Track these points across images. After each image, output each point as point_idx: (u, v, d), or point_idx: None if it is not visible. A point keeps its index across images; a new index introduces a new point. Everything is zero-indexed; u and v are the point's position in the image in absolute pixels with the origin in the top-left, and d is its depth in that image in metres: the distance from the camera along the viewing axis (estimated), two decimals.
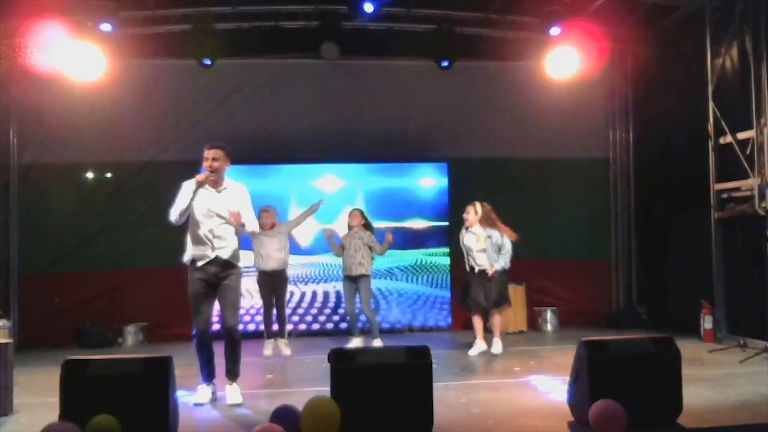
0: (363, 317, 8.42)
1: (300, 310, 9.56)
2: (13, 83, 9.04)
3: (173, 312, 8.63)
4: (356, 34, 9.32)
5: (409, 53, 9.70)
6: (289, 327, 8.35)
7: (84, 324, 9.00)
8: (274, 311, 7.86)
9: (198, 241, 5.48)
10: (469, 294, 7.81)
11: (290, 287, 8.76)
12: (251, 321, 9.28)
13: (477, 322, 7.89)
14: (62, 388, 4.22)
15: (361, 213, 8.29)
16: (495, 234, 7.75)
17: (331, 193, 9.63)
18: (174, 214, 5.44)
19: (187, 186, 5.49)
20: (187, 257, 5.56)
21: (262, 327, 8.12)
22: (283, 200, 9.44)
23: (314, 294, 9.60)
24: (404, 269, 9.81)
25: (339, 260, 8.37)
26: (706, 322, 8.29)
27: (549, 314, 9.87)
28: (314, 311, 9.59)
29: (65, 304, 9.11)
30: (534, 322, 9.83)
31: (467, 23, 9.51)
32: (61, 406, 4.20)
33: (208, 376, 5.60)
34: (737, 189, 8.07)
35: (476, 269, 7.75)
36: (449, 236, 9.74)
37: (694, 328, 8.40)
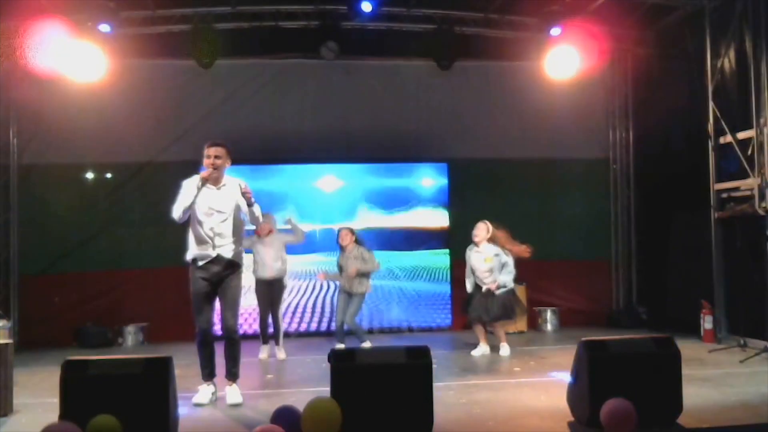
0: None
1: (300, 311, 9.55)
2: (13, 83, 9.03)
3: (173, 312, 8.62)
4: (356, 34, 9.34)
5: (408, 53, 9.71)
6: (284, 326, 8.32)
7: (84, 324, 9.00)
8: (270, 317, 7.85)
9: (200, 239, 5.48)
10: (471, 306, 7.79)
11: (292, 284, 8.75)
12: (254, 322, 9.25)
13: (478, 329, 7.89)
14: (62, 388, 4.22)
15: (351, 231, 8.19)
16: (501, 252, 7.75)
17: (331, 193, 9.63)
18: (177, 212, 5.43)
19: (189, 184, 5.49)
20: (189, 256, 5.55)
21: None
22: (283, 200, 9.43)
23: (314, 294, 9.59)
24: (404, 269, 9.81)
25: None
26: (706, 322, 8.29)
27: (549, 314, 9.87)
28: (314, 311, 9.58)
29: (65, 304, 9.12)
30: (534, 322, 9.83)
31: (467, 23, 9.52)
32: (61, 406, 4.20)
33: (209, 375, 5.60)
34: (737, 189, 8.07)
35: (483, 288, 7.74)
36: (449, 236, 9.75)
37: (694, 328, 8.40)
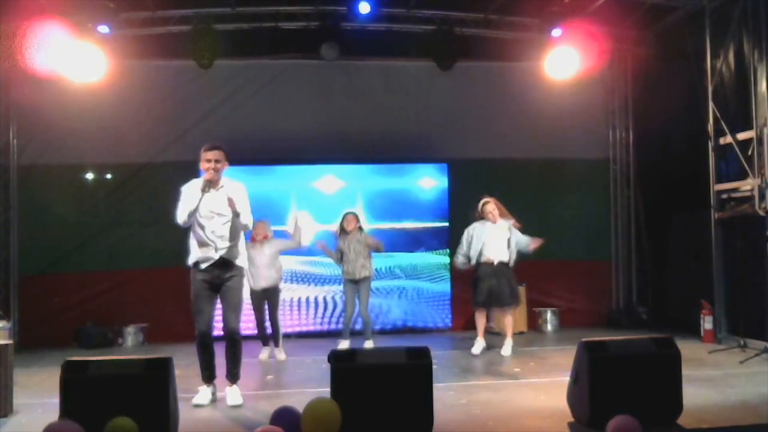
0: (359, 320, 8.39)
1: (300, 311, 9.55)
2: (13, 84, 9.04)
3: (173, 312, 8.63)
4: (356, 35, 9.33)
5: (408, 54, 9.71)
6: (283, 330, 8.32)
7: (84, 324, 9.00)
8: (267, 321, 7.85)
9: (202, 243, 5.48)
10: (484, 289, 7.66)
11: (292, 285, 8.74)
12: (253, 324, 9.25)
13: (481, 319, 7.87)
14: (62, 388, 4.22)
15: (356, 217, 8.23)
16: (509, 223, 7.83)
17: (331, 194, 9.63)
18: (182, 216, 5.43)
19: (188, 189, 5.49)
20: (191, 260, 5.55)
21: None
22: (283, 201, 9.44)
23: (314, 294, 9.59)
24: (404, 270, 9.81)
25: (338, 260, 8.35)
26: (706, 323, 8.29)
27: (549, 314, 9.87)
28: (314, 312, 9.58)
29: (65, 304, 9.11)
30: (534, 323, 9.83)
31: (467, 24, 9.53)
32: (61, 407, 4.20)
33: (209, 377, 5.60)
34: (737, 189, 8.07)
35: (495, 262, 7.72)
36: (449, 237, 9.75)
37: (694, 328, 8.40)
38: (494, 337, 9.00)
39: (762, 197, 7.55)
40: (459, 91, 10.02)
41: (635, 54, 10.19)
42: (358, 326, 8.55)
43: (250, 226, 5.74)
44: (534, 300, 9.90)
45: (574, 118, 10.16)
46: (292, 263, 9.37)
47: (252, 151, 9.10)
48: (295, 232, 7.84)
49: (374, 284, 8.72)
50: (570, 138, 10.23)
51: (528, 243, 7.86)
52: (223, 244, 5.49)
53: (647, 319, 9.74)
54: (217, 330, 5.81)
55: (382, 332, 9.44)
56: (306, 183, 9.67)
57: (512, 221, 7.89)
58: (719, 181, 8.37)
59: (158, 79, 9.55)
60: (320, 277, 9.56)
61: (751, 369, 6.52)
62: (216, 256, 5.48)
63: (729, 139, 8.11)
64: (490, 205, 7.87)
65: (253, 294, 7.70)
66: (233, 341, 5.59)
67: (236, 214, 5.42)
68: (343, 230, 8.13)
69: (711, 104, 8.41)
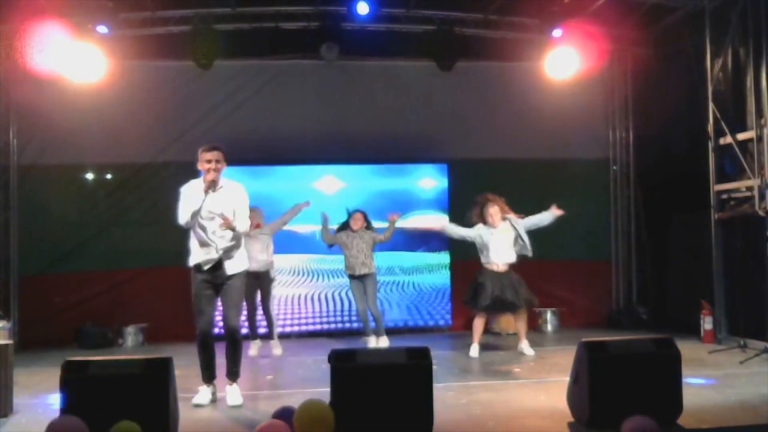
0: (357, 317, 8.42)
1: (300, 310, 9.55)
2: (13, 84, 9.04)
3: (173, 312, 8.62)
4: (356, 35, 9.33)
5: (408, 54, 9.70)
6: (279, 329, 8.32)
7: (84, 324, 8.99)
8: (260, 312, 7.85)
9: (203, 243, 5.49)
10: (489, 294, 7.54)
11: (292, 287, 8.73)
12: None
13: (480, 325, 7.82)
14: (62, 388, 4.22)
15: (364, 216, 8.24)
16: (510, 219, 7.79)
17: (331, 194, 9.63)
18: (185, 218, 5.42)
19: (189, 189, 5.49)
20: (192, 261, 5.55)
21: (261, 329, 8.12)
22: (282, 201, 9.41)
23: (314, 294, 9.59)
24: (405, 270, 9.80)
25: (340, 257, 8.35)
26: (706, 323, 8.28)
27: (549, 315, 9.86)
28: (314, 311, 9.58)
29: (65, 304, 9.10)
30: (534, 323, 9.81)
31: (467, 24, 9.52)
32: (61, 407, 4.20)
33: (209, 376, 5.60)
34: (737, 189, 8.07)
35: (500, 267, 7.66)
36: (449, 237, 9.74)
37: (694, 329, 8.40)
38: (494, 337, 9.02)
39: (762, 197, 7.55)
40: (459, 91, 10.00)
41: (635, 54, 10.19)
42: (360, 324, 8.54)
43: (248, 231, 5.76)
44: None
45: (574, 118, 10.15)
46: (294, 260, 9.39)
47: (252, 151, 9.10)
48: (290, 214, 7.96)
49: None
50: (570, 138, 10.23)
51: (548, 217, 7.80)
52: (224, 244, 5.50)
53: (647, 319, 9.74)
54: (217, 330, 5.81)
55: None
56: (306, 183, 9.66)
57: (512, 216, 7.81)
58: (719, 181, 8.37)
59: (158, 79, 9.54)
60: (321, 275, 9.57)
61: (751, 369, 6.53)
62: (217, 256, 5.48)
63: (729, 139, 8.11)
64: (493, 208, 7.79)
65: (246, 278, 7.69)
66: (233, 341, 5.60)
67: (232, 229, 5.43)
68: (349, 227, 8.14)
69: (711, 104, 8.41)
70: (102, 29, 8.28)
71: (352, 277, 8.05)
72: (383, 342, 7.96)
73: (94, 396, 4.21)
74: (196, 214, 5.41)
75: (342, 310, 9.58)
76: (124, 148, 9.40)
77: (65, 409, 4.18)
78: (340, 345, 7.97)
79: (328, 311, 9.60)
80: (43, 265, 9.22)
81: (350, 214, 8.24)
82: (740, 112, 8.02)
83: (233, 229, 5.46)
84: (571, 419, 4.77)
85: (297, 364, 7.44)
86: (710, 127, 8.43)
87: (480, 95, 10.10)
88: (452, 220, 9.67)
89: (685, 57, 9.05)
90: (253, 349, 7.85)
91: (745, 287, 7.73)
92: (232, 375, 5.60)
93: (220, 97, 9.65)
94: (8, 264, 9.12)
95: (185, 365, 5.98)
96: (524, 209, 9.60)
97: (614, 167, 10.56)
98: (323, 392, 4.64)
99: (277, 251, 8.19)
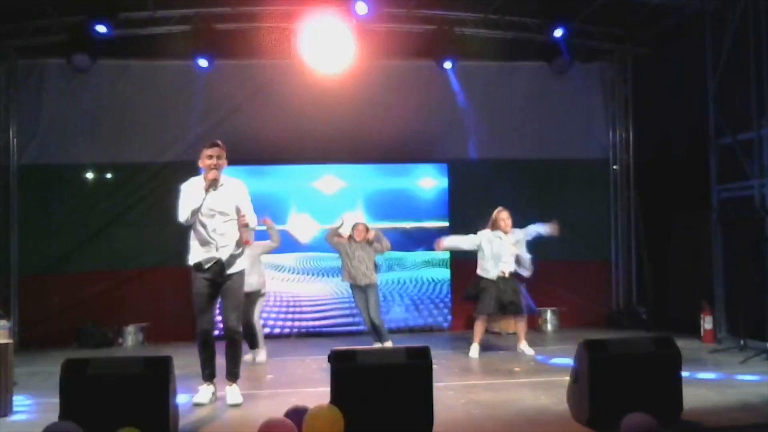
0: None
1: (300, 310, 9.56)
2: (13, 83, 9.05)
3: (173, 312, 8.63)
4: (355, 35, 9.31)
5: (409, 54, 9.70)
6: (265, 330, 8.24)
7: (84, 324, 8.99)
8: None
9: (203, 241, 5.47)
10: (492, 299, 7.62)
11: (290, 284, 8.68)
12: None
13: (481, 326, 7.82)
14: (62, 387, 4.22)
15: (366, 228, 8.15)
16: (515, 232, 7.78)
17: (331, 194, 9.63)
18: (185, 215, 5.41)
19: (189, 187, 5.48)
20: (192, 259, 5.53)
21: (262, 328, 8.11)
22: (283, 201, 9.44)
23: (314, 294, 9.59)
24: (405, 270, 9.81)
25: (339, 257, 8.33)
26: (706, 323, 8.28)
27: (549, 314, 9.88)
28: (314, 311, 9.59)
29: (65, 304, 9.10)
30: (534, 323, 9.81)
31: (467, 24, 9.52)
32: (61, 406, 4.20)
33: (209, 376, 5.60)
34: (737, 190, 8.06)
35: (506, 273, 7.67)
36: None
37: (694, 328, 8.40)
38: (494, 337, 9.02)
39: (762, 198, 7.55)
40: (459, 91, 10.01)
41: (635, 54, 10.20)
42: (362, 327, 8.51)
43: (256, 225, 5.75)
44: (534, 300, 9.88)
45: (574, 118, 10.16)
46: (292, 260, 9.39)
47: (252, 151, 9.10)
48: (271, 234, 7.58)
49: None
50: (570, 138, 10.24)
51: (547, 230, 7.83)
52: (225, 242, 5.49)
53: (647, 319, 9.74)
54: (217, 331, 5.81)
55: None
56: (306, 183, 9.67)
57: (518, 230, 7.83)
58: (719, 181, 8.37)
59: (158, 78, 9.55)
60: (321, 274, 9.57)
61: (751, 369, 6.52)
62: (218, 255, 5.48)
63: (729, 139, 8.11)
64: (504, 213, 7.77)
65: None
66: (233, 340, 5.59)
67: (245, 226, 5.49)
68: (350, 238, 8.05)
69: (711, 105, 8.40)
70: (101, 28, 8.28)
71: (354, 286, 8.00)
72: (388, 345, 7.91)
73: (94, 395, 4.20)
74: (196, 212, 5.40)
75: (342, 310, 9.57)
76: (124, 148, 9.42)
77: (65, 409, 4.17)
78: (340, 345, 7.95)
79: (328, 311, 9.61)
80: (43, 265, 9.23)
81: (354, 227, 8.13)
82: (740, 112, 8.01)
83: (247, 226, 5.48)
84: (571, 419, 4.76)
85: (297, 364, 7.44)
86: (710, 128, 8.43)
87: (480, 95, 10.10)
88: (452, 219, 9.72)
89: (685, 57, 9.05)
90: (248, 355, 7.77)
91: (745, 287, 7.72)
92: (232, 375, 5.59)
93: (220, 97, 9.65)
94: (8, 264, 9.12)
95: (185, 365, 5.98)
96: (524, 209, 9.62)
97: (614, 167, 10.57)
98: (323, 392, 4.64)
99: (278, 251, 8.14)
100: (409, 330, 9.72)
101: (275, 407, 4.48)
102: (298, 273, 9.51)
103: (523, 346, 7.78)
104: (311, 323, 9.58)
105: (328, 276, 9.53)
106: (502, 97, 10.11)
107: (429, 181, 9.91)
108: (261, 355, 7.68)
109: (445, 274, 9.86)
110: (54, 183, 9.35)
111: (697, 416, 4.73)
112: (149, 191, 9.35)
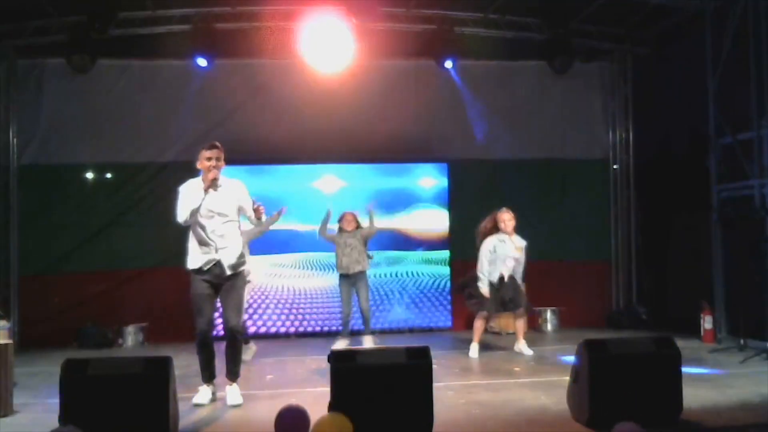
0: (358, 321, 8.37)
1: (300, 310, 9.55)
2: (13, 83, 9.04)
3: (173, 312, 8.63)
4: (355, 34, 9.31)
5: (408, 53, 9.70)
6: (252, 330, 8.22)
7: (84, 324, 8.99)
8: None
9: (202, 242, 5.47)
10: (493, 298, 7.60)
11: (290, 284, 8.67)
12: (253, 324, 9.24)
13: (480, 325, 7.81)
14: (62, 388, 4.22)
15: (355, 217, 8.23)
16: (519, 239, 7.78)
17: (331, 194, 9.63)
18: (184, 215, 5.41)
19: (187, 188, 5.48)
20: (191, 262, 5.51)
21: (261, 328, 8.11)
22: (283, 201, 9.41)
23: (314, 294, 9.59)
24: (404, 270, 9.81)
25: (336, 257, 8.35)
26: (706, 323, 8.29)
27: (549, 314, 9.87)
28: (314, 311, 9.58)
29: (65, 304, 9.10)
30: (534, 323, 9.82)
31: (467, 23, 9.52)
32: (61, 406, 4.19)
33: (209, 376, 5.60)
34: (737, 190, 8.06)
35: (505, 277, 7.66)
36: (449, 237, 9.76)
37: (694, 328, 8.40)
38: (494, 337, 9.02)
39: (762, 198, 7.55)
40: (459, 91, 10.01)
41: (635, 54, 10.20)
42: (357, 326, 8.53)
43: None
44: (534, 300, 9.87)
45: (574, 118, 10.16)
46: (292, 259, 9.39)
47: (252, 151, 9.10)
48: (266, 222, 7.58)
49: (374, 284, 8.72)
50: (570, 138, 10.24)
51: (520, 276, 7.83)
52: (224, 244, 5.49)
53: (647, 319, 9.74)
54: (217, 329, 5.81)
55: (383, 332, 9.43)
56: (306, 183, 9.67)
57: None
58: (719, 181, 8.37)
59: (158, 78, 9.54)
60: (321, 274, 9.56)
61: (751, 369, 6.52)
62: (217, 256, 5.47)
63: (729, 139, 8.10)
64: (508, 213, 7.73)
65: None
66: (233, 340, 5.59)
67: (259, 219, 5.59)
68: (341, 229, 8.15)
69: (711, 105, 8.40)
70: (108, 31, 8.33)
71: (344, 276, 8.03)
72: (368, 342, 7.91)
73: (94, 396, 4.20)
74: (195, 213, 5.40)
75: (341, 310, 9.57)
76: (123, 148, 9.42)
77: (65, 409, 4.17)
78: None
79: (328, 311, 9.60)
80: (43, 265, 9.23)
81: (341, 217, 8.20)
82: (740, 112, 8.01)
83: (260, 219, 5.57)
84: (571, 419, 4.76)
85: (297, 364, 7.44)
86: (711, 127, 8.43)
87: (480, 95, 10.09)
88: (452, 219, 9.72)
89: (685, 57, 9.05)
90: (247, 354, 7.79)
91: (745, 287, 7.73)
92: (232, 375, 5.60)
93: (220, 97, 9.65)
94: (8, 264, 9.12)
95: (185, 365, 5.99)
96: (524, 209, 9.64)
97: (614, 167, 10.56)
98: (323, 392, 4.64)
99: (278, 251, 8.16)
100: (409, 330, 9.71)
101: (275, 407, 4.47)
102: (298, 273, 9.50)
103: (522, 346, 7.77)
104: (311, 323, 9.57)
105: (328, 276, 9.52)
106: (502, 97, 10.11)
107: (429, 180, 9.91)
108: (248, 353, 7.61)
109: (445, 274, 9.86)
110: (54, 183, 9.34)
111: (697, 416, 4.74)
112: (149, 191, 9.35)
